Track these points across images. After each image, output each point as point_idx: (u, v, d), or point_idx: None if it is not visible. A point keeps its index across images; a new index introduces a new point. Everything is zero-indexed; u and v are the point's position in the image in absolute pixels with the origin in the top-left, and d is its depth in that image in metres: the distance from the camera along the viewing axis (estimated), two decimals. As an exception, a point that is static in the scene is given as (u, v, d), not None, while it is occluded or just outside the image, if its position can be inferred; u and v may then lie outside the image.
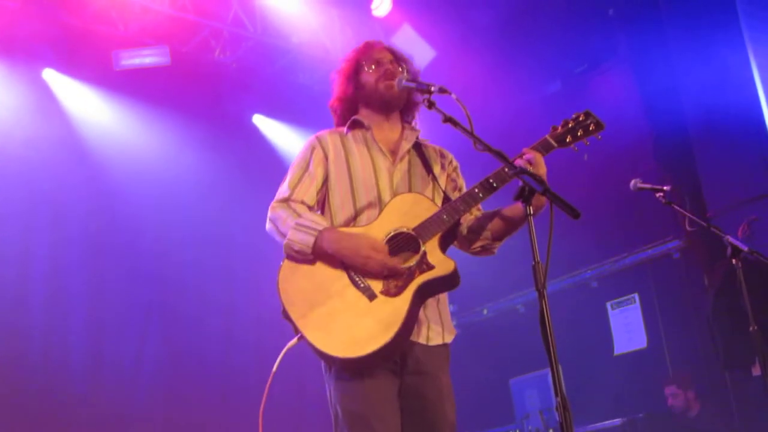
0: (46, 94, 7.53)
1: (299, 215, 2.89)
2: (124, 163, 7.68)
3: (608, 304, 7.94)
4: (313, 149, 3.06)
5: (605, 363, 7.72)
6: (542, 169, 2.84)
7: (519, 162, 2.83)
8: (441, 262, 2.80)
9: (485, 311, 8.95)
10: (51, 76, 7.59)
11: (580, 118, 2.99)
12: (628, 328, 7.75)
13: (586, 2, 8.19)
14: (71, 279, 7.26)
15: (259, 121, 8.93)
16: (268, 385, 2.85)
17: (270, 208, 2.99)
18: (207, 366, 7.69)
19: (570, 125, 2.98)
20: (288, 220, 2.87)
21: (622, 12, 8.02)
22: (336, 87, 3.26)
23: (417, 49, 8.52)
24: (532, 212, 2.58)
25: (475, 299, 8.84)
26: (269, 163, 8.47)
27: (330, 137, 3.11)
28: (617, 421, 6.84)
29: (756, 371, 6.17)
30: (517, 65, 8.51)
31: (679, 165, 7.59)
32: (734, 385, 6.83)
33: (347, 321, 2.73)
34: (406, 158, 3.09)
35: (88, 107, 7.76)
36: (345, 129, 3.14)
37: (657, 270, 7.69)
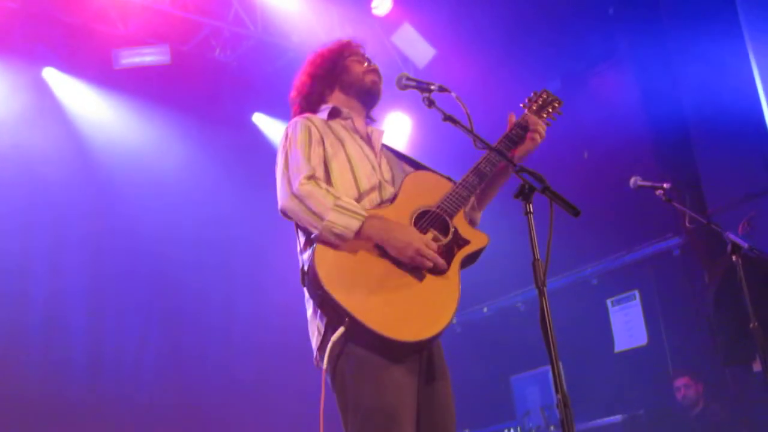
0: (46, 93, 7.53)
1: (335, 196, 2.72)
2: (124, 161, 7.69)
3: (608, 302, 7.95)
4: (308, 129, 2.97)
5: (606, 360, 7.72)
6: (543, 128, 3.08)
7: (530, 134, 3.03)
8: (475, 236, 2.83)
9: (485, 309, 8.95)
10: (51, 74, 7.59)
11: (543, 96, 3.27)
12: (628, 325, 7.75)
13: (585, 1, 8.19)
14: (71, 278, 7.26)
15: (259, 119, 8.93)
16: (323, 383, 2.69)
17: (292, 184, 2.79)
18: (207, 364, 7.70)
19: (540, 102, 3.24)
20: (325, 200, 2.69)
21: (621, 11, 8.02)
22: (311, 66, 3.24)
23: (417, 48, 8.54)
24: (531, 209, 2.58)
25: (476, 297, 8.84)
26: (269, 162, 8.44)
27: (317, 120, 3.05)
28: (618, 417, 6.85)
29: (756, 367, 6.19)
30: (516, 64, 8.51)
31: (679, 162, 7.60)
32: (735, 381, 6.84)
33: (401, 303, 2.63)
34: (382, 152, 3.12)
35: (88, 106, 7.77)
36: (324, 115, 3.11)
37: (657, 267, 7.70)
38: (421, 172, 3.02)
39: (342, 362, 2.68)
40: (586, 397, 7.17)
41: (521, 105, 3.19)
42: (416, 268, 2.69)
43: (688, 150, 7.61)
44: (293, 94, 3.31)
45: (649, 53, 7.85)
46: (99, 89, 7.82)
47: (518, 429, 7.48)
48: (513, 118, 3.11)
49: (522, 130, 3.04)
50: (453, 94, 2.83)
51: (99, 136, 7.72)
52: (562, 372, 2.34)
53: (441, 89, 2.86)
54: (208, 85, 8.30)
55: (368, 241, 2.71)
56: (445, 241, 2.77)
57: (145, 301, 7.63)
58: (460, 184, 2.89)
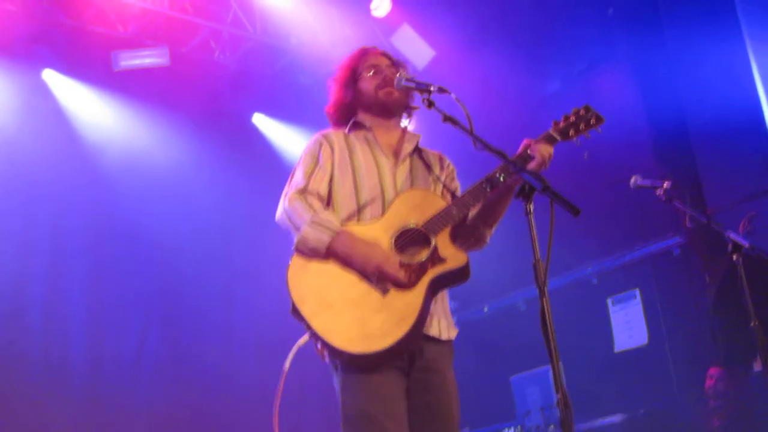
0: (45, 95, 7.54)
1: (315, 211, 2.87)
2: (124, 163, 7.69)
3: (609, 301, 7.94)
4: (320, 144, 3.07)
5: (606, 360, 7.72)
6: (545, 153, 2.89)
7: (531, 151, 2.88)
8: (452, 256, 2.83)
9: (486, 308, 8.95)
10: (50, 76, 7.59)
11: (581, 113, 3.03)
12: (628, 324, 7.75)
13: (585, 2, 8.19)
14: (71, 276, 7.26)
15: (259, 121, 8.94)
16: (281, 384, 2.86)
17: (286, 197, 2.95)
18: (207, 361, 7.69)
19: (571, 119, 3.02)
20: (304, 215, 2.85)
21: (621, 11, 8.02)
22: (333, 94, 3.27)
23: (416, 49, 8.53)
24: (532, 210, 2.59)
25: (476, 296, 8.84)
26: (269, 163, 8.49)
27: (335, 135, 3.13)
28: (618, 417, 6.84)
29: (757, 367, 6.20)
30: (516, 65, 8.51)
31: (679, 162, 7.59)
32: (735, 380, 6.84)
33: (361, 316, 2.73)
34: (408, 160, 3.11)
35: (88, 108, 7.77)
36: (346, 129, 3.16)
37: (658, 266, 7.69)
38: (415, 190, 3.01)
39: (336, 375, 2.84)
40: (586, 397, 7.15)
41: (553, 121, 3.04)
42: (381, 284, 2.77)
43: (688, 149, 7.61)
44: (327, 116, 3.33)
45: (649, 53, 7.84)
46: (98, 91, 7.82)
47: (518, 428, 7.47)
48: (526, 143, 2.96)
49: (522, 160, 2.90)
50: (452, 95, 2.84)
51: (98, 137, 7.72)
52: (562, 371, 2.34)
53: (440, 90, 2.88)
54: (207, 86, 8.30)
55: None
56: (421, 258, 2.81)
57: (145, 297, 7.64)
58: (454, 202, 2.90)
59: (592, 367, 7.53)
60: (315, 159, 3.03)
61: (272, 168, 8.24)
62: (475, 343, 8.44)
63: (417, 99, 3.24)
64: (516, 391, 7.87)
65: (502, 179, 2.85)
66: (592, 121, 3.03)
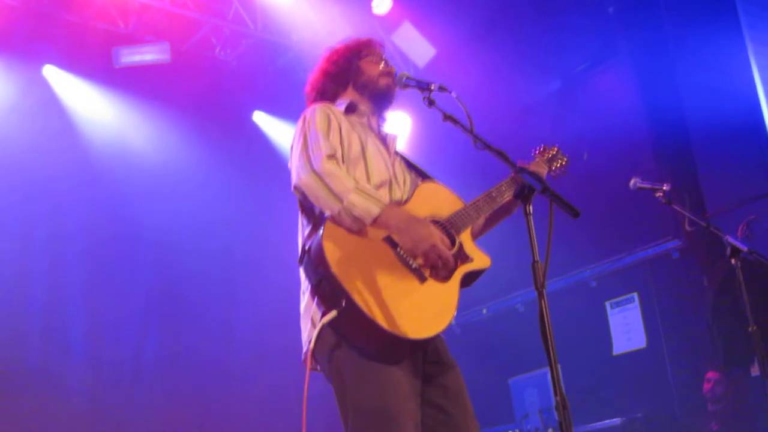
0: (46, 91, 7.53)
1: (356, 179, 2.68)
2: (124, 159, 7.69)
3: (607, 304, 7.94)
4: (327, 114, 2.90)
5: (604, 363, 7.71)
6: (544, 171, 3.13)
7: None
8: (478, 256, 2.84)
9: (484, 311, 8.94)
10: (51, 72, 7.59)
11: (553, 151, 3.31)
12: (627, 327, 7.74)
13: (586, 1, 8.18)
14: (71, 276, 7.26)
15: (260, 118, 8.93)
16: (307, 374, 2.65)
17: (319, 162, 2.69)
18: (207, 360, 7.69)
19: (548, 155, 3.29)
20: (346, 182, 2.63)
21: (622, 11, 8.01)
22: (326, 62, 3.19)
23: (417, 47, 8.53)
24: (531, 211, 2.58)
25: (475, 298, 8.83)
26: (269, 161, 8.48)
27: (336, 110, 3.00)
28: (616, 420, 6.84)
29: (755, 371, 6.19)
30: (517, 64, 8.50)
31: (679, 164, 7.59)
32: (733, 385, 6.83)
33: (405, 300, 2.60)
34: (396, 155, 3.12)
35: (89, 104, 7.77)
36: (342, 108, 3.06)
37: (656, 270, 7.68)
38: (434, 184, 3.01)
39: (340, 361, 2.65)
40: (584, 400, 7.16)
41: (532, 153, 3.22)
42: (419, 270, 2.68)
43: (687, 152, 7.60)
44: (307, 89, 3.24)
45: (649, 53, 7.84)
46: (99, 87, 7.82)
47: (516, 431, 7.47)
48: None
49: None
50: (453, 94, 2.83)
51: (99, 133, 7.72)
52: (560, 374, 2.33)
53: (441, 89, 2.87)
54: (208, 83, 8.29)
55: (379, 231, 2.66)
56: (453, 252, 2.76)
57: (144, 298, 7.63)
58: (471, 205, 2.91)
59: (591, 369, 7.53)
60: (328, 127, 2.84)
61: (272, 166, 8.24)
62: (473, 345, 8.42)
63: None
64: (514, 393, 7.87)
65: (506, 190, 2.97)
66: (563, 162, 3.32)
